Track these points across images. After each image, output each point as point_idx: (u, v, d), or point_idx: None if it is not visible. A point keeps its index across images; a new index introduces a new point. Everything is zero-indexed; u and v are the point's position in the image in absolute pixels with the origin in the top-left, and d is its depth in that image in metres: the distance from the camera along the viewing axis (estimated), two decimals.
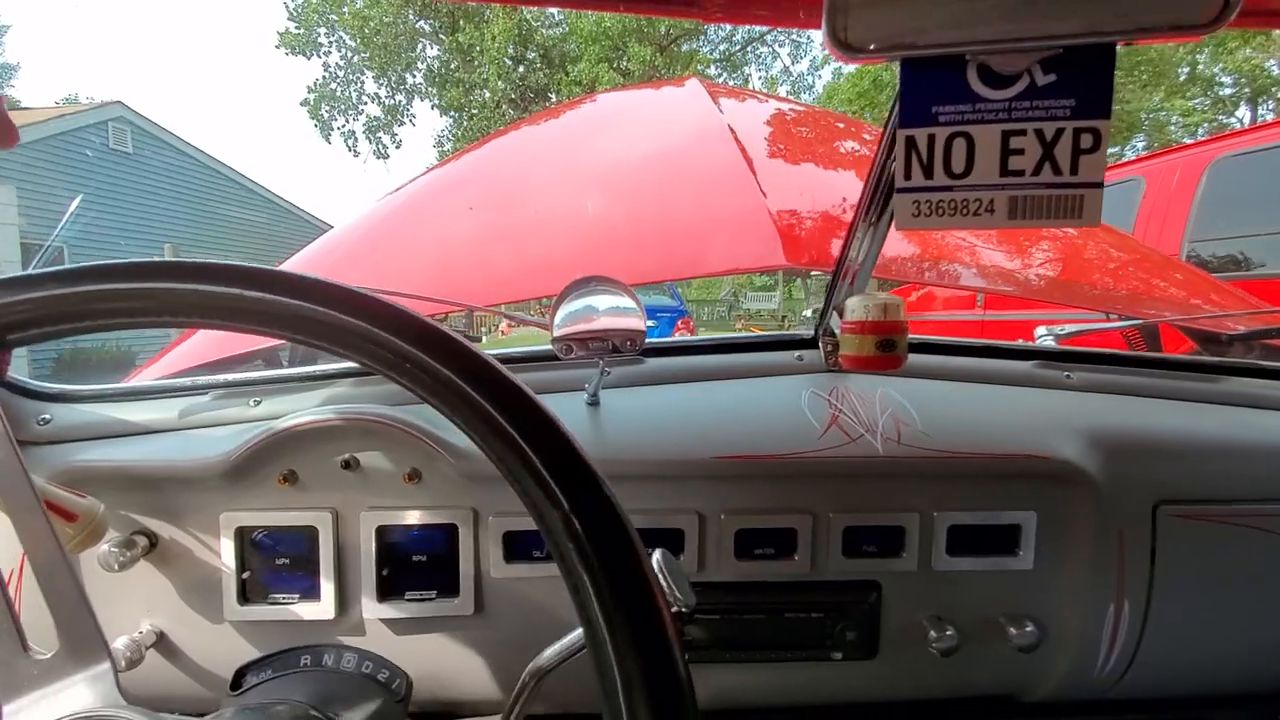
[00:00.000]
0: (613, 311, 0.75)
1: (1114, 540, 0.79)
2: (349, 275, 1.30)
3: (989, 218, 0.55)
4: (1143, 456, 0.80)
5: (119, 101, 12.42)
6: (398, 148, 19.83)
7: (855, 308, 0.77)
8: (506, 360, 0.89)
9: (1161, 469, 0.80)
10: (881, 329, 0.76)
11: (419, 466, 0.76)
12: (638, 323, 0.75)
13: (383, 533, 0.76)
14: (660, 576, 0.50)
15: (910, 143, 0.55)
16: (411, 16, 18.24)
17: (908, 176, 0.55)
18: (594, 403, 0.82)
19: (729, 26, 20.24)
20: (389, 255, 1.37)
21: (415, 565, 0.77)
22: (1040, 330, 1.05)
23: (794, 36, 20.54)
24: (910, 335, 0.84)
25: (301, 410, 0.77)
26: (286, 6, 17.93)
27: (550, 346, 0.78)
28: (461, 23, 18.09)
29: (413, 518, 0.76)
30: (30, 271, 0.38)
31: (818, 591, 0.79)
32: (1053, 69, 0.52)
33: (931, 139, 0.55)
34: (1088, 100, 0.52)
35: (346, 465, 0.75)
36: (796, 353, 0.93)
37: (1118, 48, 0.52)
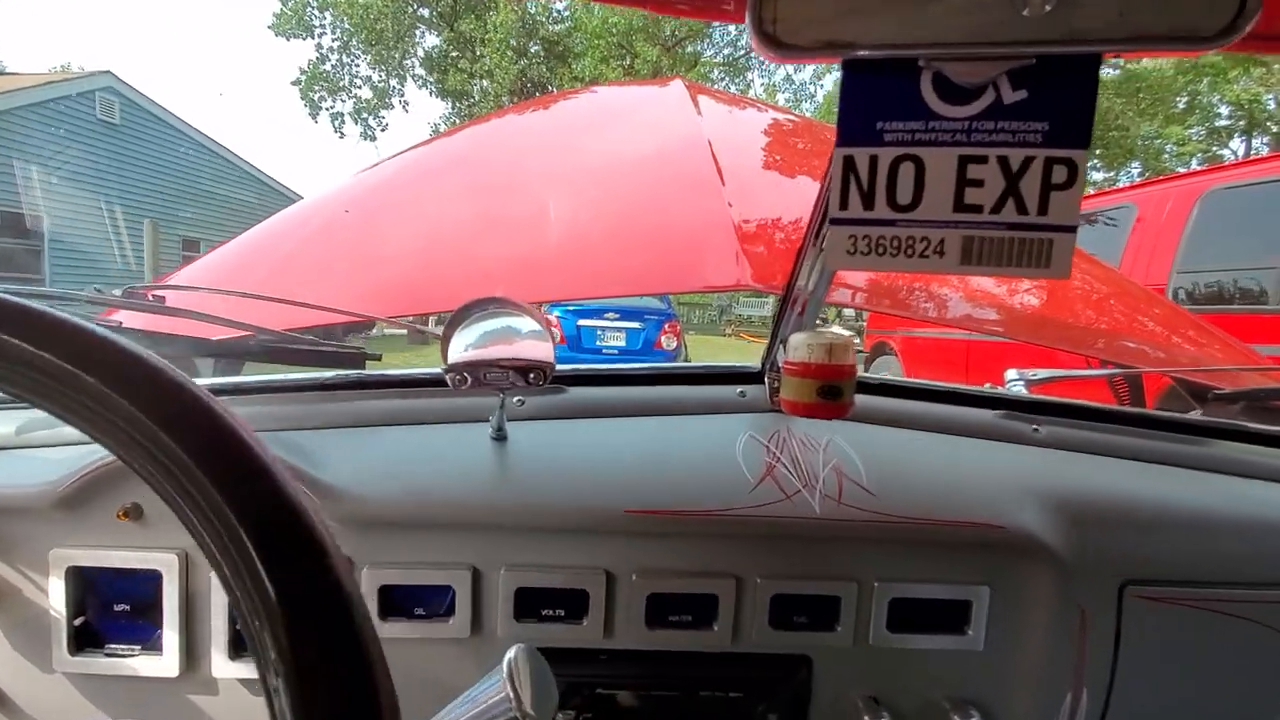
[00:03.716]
0: (515, 337, 0.65)
1: (1074, 622, 0.70)
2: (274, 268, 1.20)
3: (938, 261, 0.45)
4: (1111, 529, 0.71)
5: (108, 71, 12.17)
6: (384, 130, 19.66)
7: (798, 346, 0.68)
8: (398, 383, 0.78)
9: (1131, 544, 0.71)
10: (825, 373, 0.66)
11: None
12: (545, 351, 0.65)
13: None
14: (509, 682, 0.41)
15: (848, 164, 0.45)
16: (413, 5, 18.05)
17: (844, 205, 0.46)
18: (499, 438, 0.72)
19: (734, 31, 20.18)
20: (321, 254, 1.26)
21: None
22: (1011, 374, 0.96)
23: None
24: (862, 375, 0.75)
25: None
26: None
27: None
28: (462, 11, 17.93)
29: None
30: None
31: (739, 666, 0.69)
32: (1024, 84, 0.43)
33: (874, 161, 0.45)
34: (1064, 125, 0.43)
35: None
36: (740, 388, 0.84)
37: (1116, 65, 0.43)
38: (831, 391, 0.66)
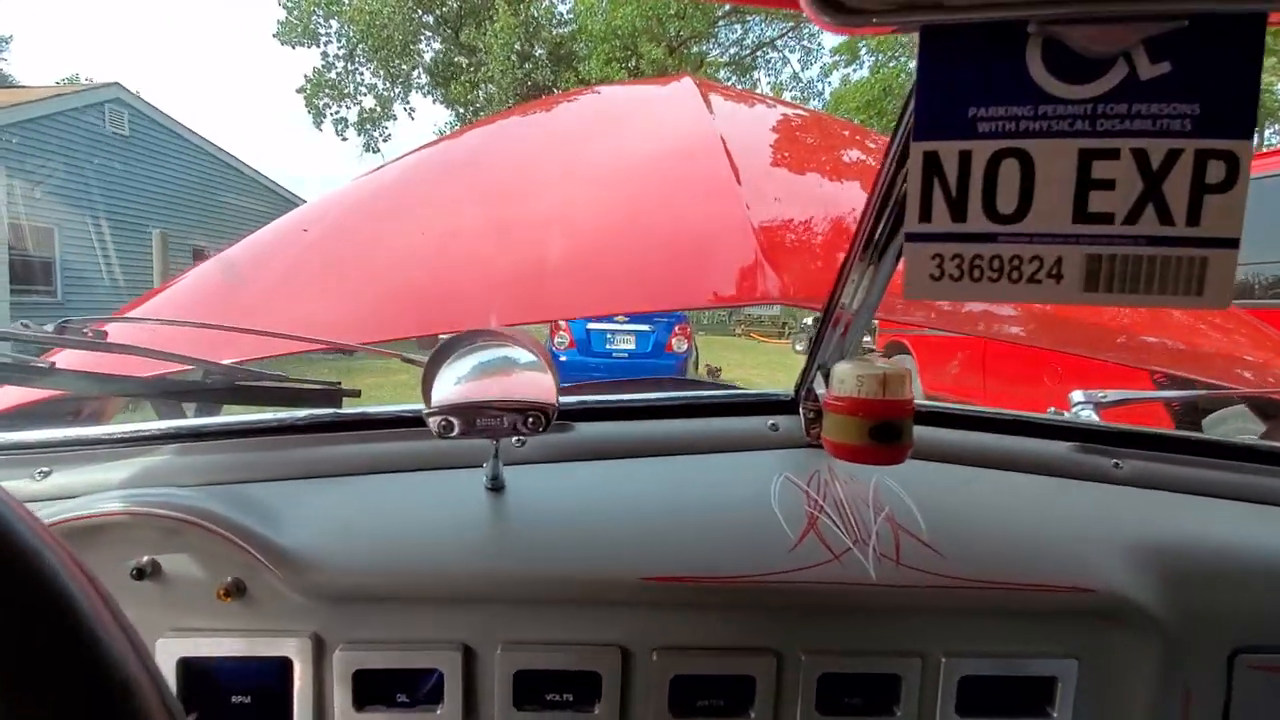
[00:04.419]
0: (510, 372, 0.55)
1: (1176, 700, 0.59)
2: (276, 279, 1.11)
3: (1053, 287, 0.35)
4: (1217, 585, 0.60)
5: (116, 83, 12.24)
6: (386, 141, 19.62)
7: (844, 377, 0.57)
8: (377, 423, 0.69)
9: (1241, 603, 0.60)
10: (878, 410, 0.56)
11: (242, 577, 0.56)
12: (546, 389, 0.55)
13: (190, 666, 0.56)
14: None
15: (931, 163, 0.35)
16: (418, 12, 18.05)
17: (925, 216, 0.35)
18: (495, 488, 0.62)
19: (739, 31, 20.08)
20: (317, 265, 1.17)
21: (234, 711, 0.57)
22: (1077, 396, 0.84)
23: (804, 43, 20.33)
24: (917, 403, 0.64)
25: (94, 494, 0.57)
26: None
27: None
28: (465, 17, 17.93)
29: (230, 647, 0.56)
30: None
31: None
32: (1167, 54, 0.33)
33: (965, 159, 0.35)
34: (1221, 107, 0.33)
35: (140, 574, 0.55)
36: (770, 419, 0.73)
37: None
38: (886, 432, 0.56)
